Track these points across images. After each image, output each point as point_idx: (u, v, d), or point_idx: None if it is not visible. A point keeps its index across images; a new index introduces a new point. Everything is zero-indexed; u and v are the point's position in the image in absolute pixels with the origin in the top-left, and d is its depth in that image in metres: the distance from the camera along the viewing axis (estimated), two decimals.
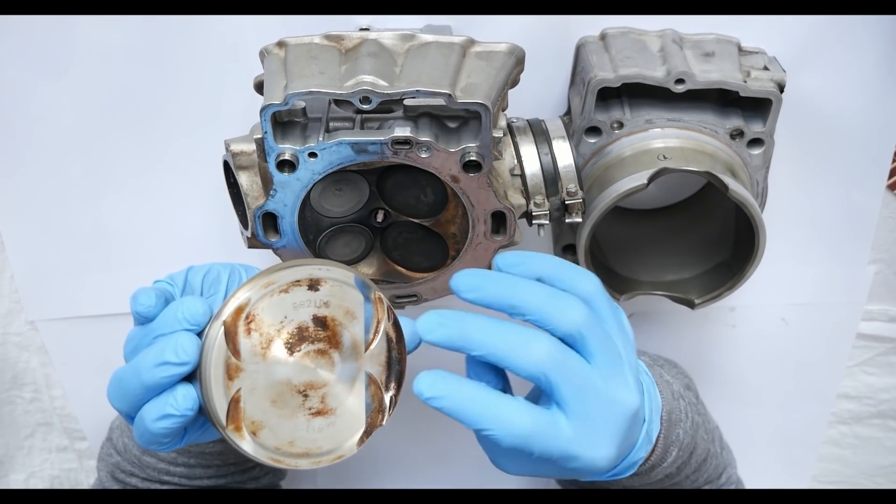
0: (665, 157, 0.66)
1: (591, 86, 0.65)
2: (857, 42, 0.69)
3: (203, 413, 0.49)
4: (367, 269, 0.67)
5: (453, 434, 0.70)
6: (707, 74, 0.65)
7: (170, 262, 0.61)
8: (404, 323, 0.52)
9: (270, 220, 0.60)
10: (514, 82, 0.60)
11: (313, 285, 0.50)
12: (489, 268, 0.55)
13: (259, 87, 0.61)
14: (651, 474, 0.60)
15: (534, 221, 0.62)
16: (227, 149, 0.60)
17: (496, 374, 0.53)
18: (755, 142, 0.68)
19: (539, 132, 0.62)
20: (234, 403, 0.48)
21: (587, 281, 0.52)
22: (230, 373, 0.48)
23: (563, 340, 0.50)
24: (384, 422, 0.52)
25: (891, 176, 0.77)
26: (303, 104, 0.57)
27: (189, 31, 0.68)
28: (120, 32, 0.68)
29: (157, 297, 0.50)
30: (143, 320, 0.51)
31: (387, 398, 0.52)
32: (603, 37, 0.69)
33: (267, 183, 0.59)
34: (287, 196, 0.58)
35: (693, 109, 0.67)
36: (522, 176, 0.61)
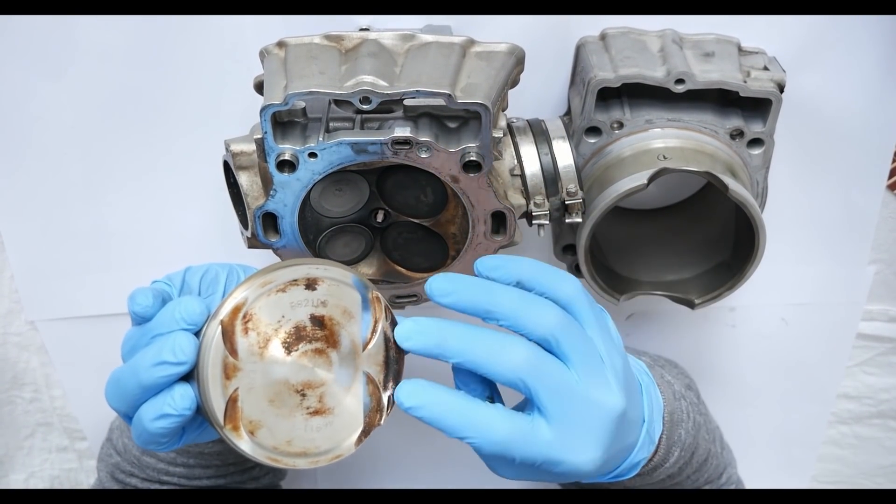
0: (665, 157, 0.66)
1: (591, 86, 0.65)
2: (857, 42, 0.69)
3: (201, 413, 0.49)
4: (367, 269, 0.67)
5: None
6: (707, 74, 0.65)
7: (170, 262, 0.61)
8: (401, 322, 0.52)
9: (270, 220, 0.60)
10: (514, 82, 0.60)
11: (311, 284, 0.49)
12: None
13: (259, 87, 0.61)
14: (653, 475, 0.60)
15: (534, 221, 0.62)
16: (227, 149, 0.60)
17: (482, 383, 0.52)
18: (755, 142, 0.68)
19: (539, 132, 0.62)
20: (231, 403, 0.48)
21: (567, 284, 0.52)
22: (227, 372, 0.48)
23: (540, 345, 0.50)
24: (382, 421, 0.52)
25: (891, 176, 0.77)
26: (303, 104, 0.57)
27: (189, 31, 0.68)
28: (120, 32, 0.68)
29: (154, 297, 0.50)
30: (140, 320, 0.51)
31: (385, 398, 0.52)
32: (603, 37, 0.69)
33: (267, 183, 0.59)
34: (287, 196, 0.58)
35: (693, 109, 0.67)
36: (522, 176, 0.61)
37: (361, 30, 0.61)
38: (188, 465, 0.69)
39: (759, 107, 0.66)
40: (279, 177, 0.57)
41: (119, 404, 0.51)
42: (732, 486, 0.71)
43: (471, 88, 0.55)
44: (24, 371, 0.87)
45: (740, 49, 0.68)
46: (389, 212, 0.64)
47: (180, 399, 0.48)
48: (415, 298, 0.66)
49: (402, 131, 0.56)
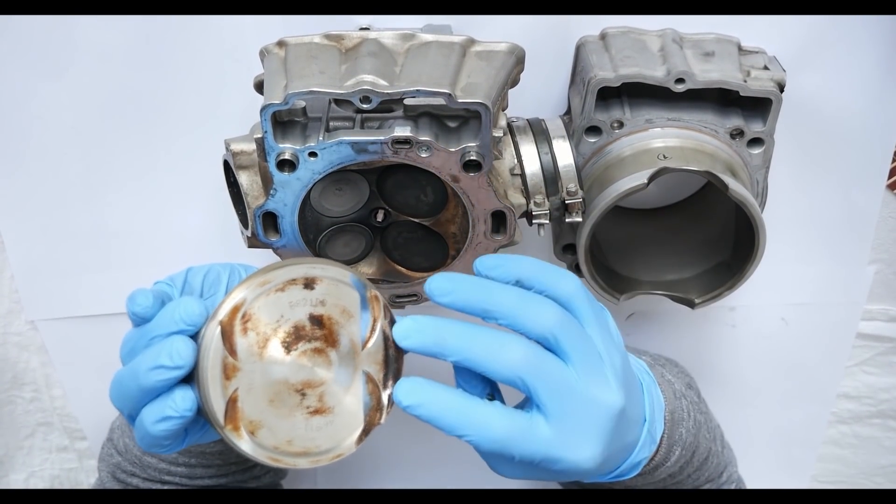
0: (665, 157, 0.66)
1: (591, 85, 0.65)
2: (857, 42, 0.69)
3: (202, 414, 0.49)
4: (367, 268, 0.67)
5: None
6: (707, 74, 0.65)
7: (170, 261, 0.61)
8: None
9: (270, 220, 0.60)
10: (514, 82, 0.60)
11: (309, 284, 0.49)
12: None
13: (259, 87, 0.61)
14: (654, 474, 0.60)
15: (534, 221, 0.62)
16: (227, 148, 0.60)
17: (483, 381, 0.52)
18: (755, 141, 0.68)
19: (539, 132, 0.62)
20: (231, 403, 0.48)
21: (567, 282, 0.52)
22: (227, 372, 0.48)
23: (538, 343, 0.50)
24: (382, 420, 0.52)
25: (891, 176, 0.77)
26: (303, 104, 0.57)
27: (189, 32, 0.68)
28: (120, 32, 0.68)
29: (153, 297, 0.50)
30: (139, 321, 0.51)
31: (385, 396, 0.52)
32: (603, 36, 0.69)
33: (267, 182, 0.59)
34: (287, 196, 0.58)
35: (693, 109, 0.67)
36: (522, 175, 0.61)
37: (361, 29, 0.61)
38: (190, 465, 0.69)
39: (759, 106, 0.66)
40: (279, 176, 0.57)
41: (123, 406, 0.51)
42: (733, 485, 0.71)
43: (471, 88, 0.55)
44: (24, 371, 0.87)
45: (740, 49, 0.68)
46: (389, 211, 0.64)
47: (181, 401, 0.48)
48: (415, 298, 0.66)
49: (403, 131, 0.56)
